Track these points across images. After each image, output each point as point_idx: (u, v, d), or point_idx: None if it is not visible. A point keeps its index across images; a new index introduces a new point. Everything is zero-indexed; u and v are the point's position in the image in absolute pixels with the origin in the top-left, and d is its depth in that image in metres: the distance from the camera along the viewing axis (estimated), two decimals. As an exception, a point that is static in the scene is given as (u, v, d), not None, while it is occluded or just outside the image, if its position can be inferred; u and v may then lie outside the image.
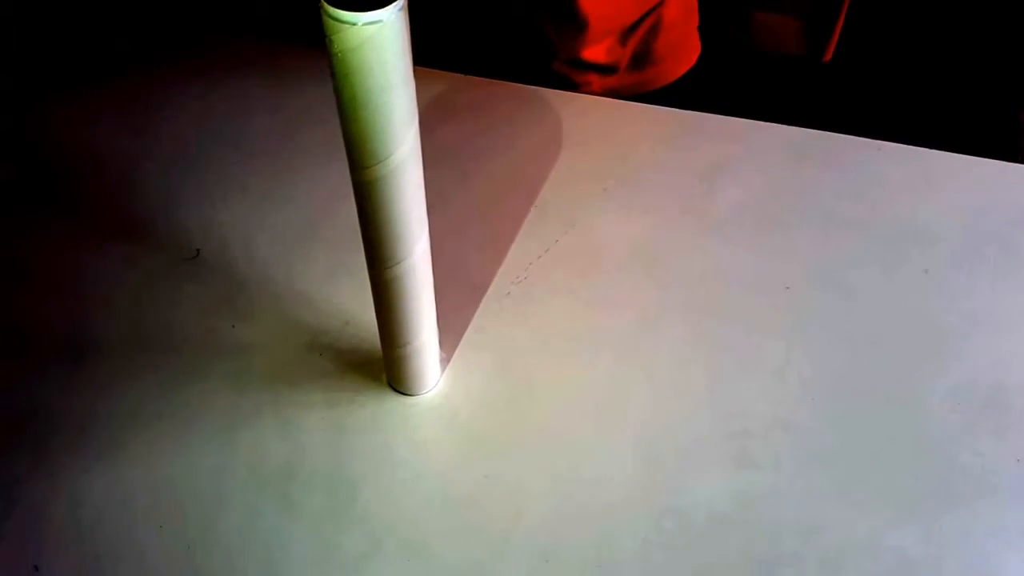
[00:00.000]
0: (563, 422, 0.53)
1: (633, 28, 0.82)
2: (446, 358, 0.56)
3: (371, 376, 0.55)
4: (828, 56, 1.84)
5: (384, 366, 0.54)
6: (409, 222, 0.42)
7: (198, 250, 0.64)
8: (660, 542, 0.47)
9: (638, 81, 0.85)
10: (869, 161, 0.70)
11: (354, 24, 0.33)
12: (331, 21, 0.33)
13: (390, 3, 0.33)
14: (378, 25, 0.33)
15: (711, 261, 0.62)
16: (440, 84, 0.77)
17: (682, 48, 0.87)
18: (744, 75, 0.99)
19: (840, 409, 0.53)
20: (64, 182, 0.71)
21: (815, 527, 0.48)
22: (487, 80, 0.78)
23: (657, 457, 0.51)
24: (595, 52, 0.81)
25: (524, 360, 0.57)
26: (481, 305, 0.60)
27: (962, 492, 0.49)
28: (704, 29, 0.91)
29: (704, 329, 0.58)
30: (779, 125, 0.73)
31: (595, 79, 0.83)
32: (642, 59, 0.84)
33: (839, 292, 0.60)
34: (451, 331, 0.57)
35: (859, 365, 0.56)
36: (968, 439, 0.52)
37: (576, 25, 0.78)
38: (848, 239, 0.64)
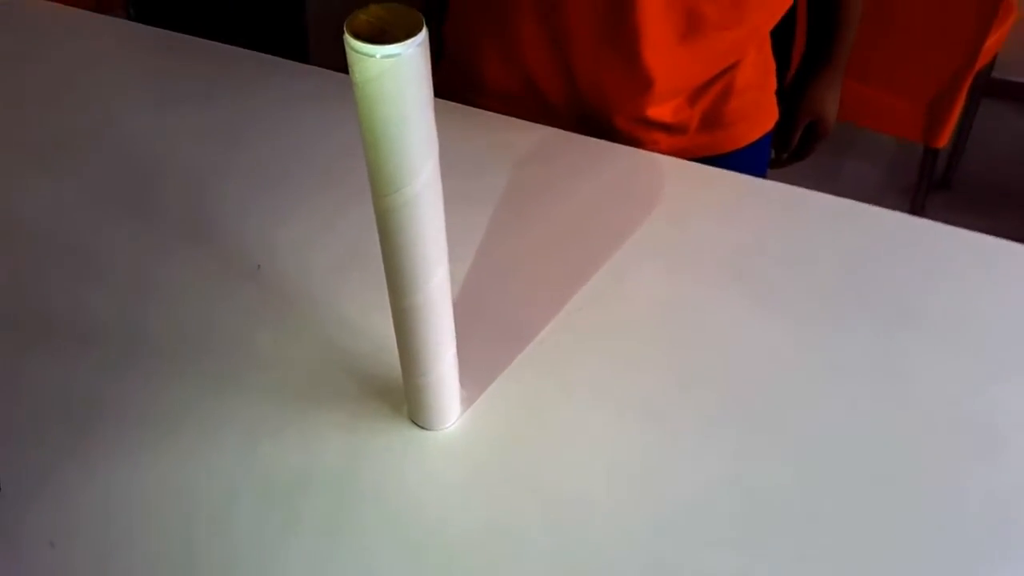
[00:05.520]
0: (576, 478, 0.52)
1: (702, 90, 0.81)
2: (469, 397, 0.56)
3: (394, 406, 0.56)
4: (943, 142, 1.74)
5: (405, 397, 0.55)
6: (424, 254, 0.43)
7: (259, 265, 0.67)
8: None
9: (708, 143, 0.84)
10: (942, 247, 0.67)
11: (373, 56, 0.34)
12: (353, 53, 0.35)
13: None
14: (395, 58, 0.34)
15: (755, 334, 0.60)
16: (509, 129, 0.79)
17: (756, 113, 0.86)
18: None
19: (872, 503, 0.50)
20: (146, 188, 0.76)
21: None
22: (555, 130, 0.79)
23: (669, 527, 0.49)
24: (660, 111, 0.80)
25: (547, 410, 0.56)
26: (513, 350, 0.60)
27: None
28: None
29: (735, 401, 0.56)
30: (849, 200, 0.71)
31: (662, 138, 0.83)
32: (712, 122, 0.83)
33: (888, 378, 0.57)
34: (478, 371, 0.58)
35: (897, 455, 0.53)
36: (1003, 547, 0.48)
37: (641, 83, 0.78)
38: (904, 326, 0.60)
